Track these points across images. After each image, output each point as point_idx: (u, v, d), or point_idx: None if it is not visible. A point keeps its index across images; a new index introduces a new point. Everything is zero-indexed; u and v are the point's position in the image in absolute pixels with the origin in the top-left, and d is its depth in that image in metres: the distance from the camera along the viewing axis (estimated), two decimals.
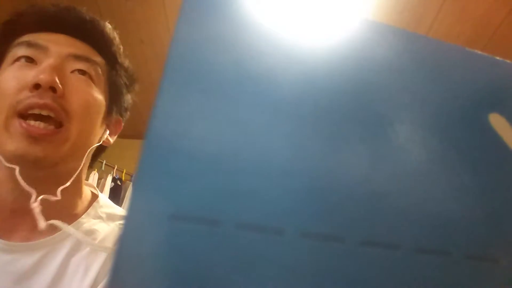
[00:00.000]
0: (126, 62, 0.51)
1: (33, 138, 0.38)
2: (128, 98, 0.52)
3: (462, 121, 0.16)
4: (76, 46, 0.44)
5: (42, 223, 0.36)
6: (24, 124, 0.38)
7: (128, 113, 0.54)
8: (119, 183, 2.10)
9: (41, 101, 0.38)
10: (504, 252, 0.14)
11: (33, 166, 0.39)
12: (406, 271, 0.13)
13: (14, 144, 0.38)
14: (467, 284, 0.13)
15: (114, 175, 2.11)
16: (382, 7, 1.44)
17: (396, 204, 0.13)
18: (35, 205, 0.37)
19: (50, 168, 0.41)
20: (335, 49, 0.15)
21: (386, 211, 0.13)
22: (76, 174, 0.45)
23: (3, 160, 0.39)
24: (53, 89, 0.39)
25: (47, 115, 0.39)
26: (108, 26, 0.48)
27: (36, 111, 0.38)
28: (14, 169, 0.38)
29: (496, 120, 0.16)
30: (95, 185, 0.53)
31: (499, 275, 0.14)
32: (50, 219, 0.39)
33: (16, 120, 0.38)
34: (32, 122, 0.38)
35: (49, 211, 0.40)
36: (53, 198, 0.40)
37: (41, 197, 0.38)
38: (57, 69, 0.40)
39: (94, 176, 1.99)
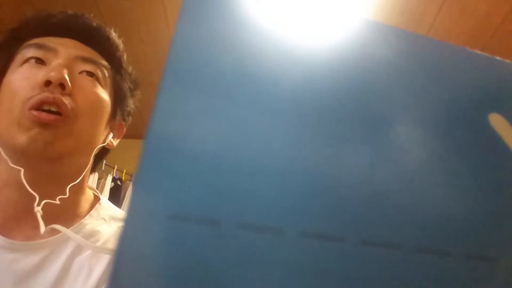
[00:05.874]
0: (130, 68, 0.53)
1: (44, 124, 0.39)
2: (131, 103, 0.54)
3: (462, 121, 0.16)
4: (84, 49, 0.46)
5: (43, 228, 0.36)
6: (35, 112, 0.39)
7: (130, 118, 0.55)
8: (119, 183, 2.09)
9: (51, 96, 0.40)
10: (504, 252, 0.14)
11: (41, 156, 0.40)
12: (406, 270, 0.13)
13: (26, 133, 0.39)
14: (467, 284, 0.13)
15: (114, 175, 2.11)
16: (382, 8, 1.44)
17: (396, 204, 0.13)
18: (38, 209, 0.38)
19: (56, 161, 0.42)
20: (335, 49, 0.15)
21: (386, 211, 0.13)
22: (84, 171, 0.45)
23: (9, 160, 0.40)
24: (62, 86, 0.41)
25: (56, 111, 0.40)
26: (113, 33, 0.50)
27: (45, 107, 0.40)
28: (19, 171, 0.39)
29: (496, 120, 0.16)
30: (95, 185, 0.54)
31: (499, 275, 0.14)
32: (54, 220, 0.39)
33: (27, 112, 0.39)
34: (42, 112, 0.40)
35: (54, 211, 0.40)
36: (57, 202, 0.40)
37: (44, 201, 0.39)
38: (67, 68, 0.42)
39: (94, 176, 1.99)
